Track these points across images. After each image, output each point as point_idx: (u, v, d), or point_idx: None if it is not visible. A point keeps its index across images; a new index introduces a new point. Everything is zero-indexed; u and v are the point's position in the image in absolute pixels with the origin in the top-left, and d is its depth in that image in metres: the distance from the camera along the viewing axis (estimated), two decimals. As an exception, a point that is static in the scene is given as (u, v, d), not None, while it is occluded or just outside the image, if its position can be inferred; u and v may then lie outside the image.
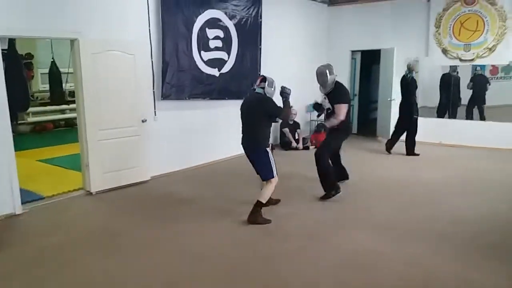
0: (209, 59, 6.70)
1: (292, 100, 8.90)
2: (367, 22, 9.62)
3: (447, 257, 3.52)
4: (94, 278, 3.22)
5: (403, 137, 7.75)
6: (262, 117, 4.32)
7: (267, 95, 4.37)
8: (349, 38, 9.92)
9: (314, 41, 9.76)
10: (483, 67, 9.37)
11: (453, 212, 4.62)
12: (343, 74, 10.15)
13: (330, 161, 5.22)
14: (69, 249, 3.74)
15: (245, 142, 4.43)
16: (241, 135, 4.50)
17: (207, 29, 6.60)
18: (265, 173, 4.34)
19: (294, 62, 9.09)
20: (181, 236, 4.01)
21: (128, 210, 4.81)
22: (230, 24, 7.02)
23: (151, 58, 5.91)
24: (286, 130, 8.35)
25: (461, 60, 8.52)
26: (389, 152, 7.82)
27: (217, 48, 6.85)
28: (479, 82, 9.02)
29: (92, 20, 5.15)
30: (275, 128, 8.65)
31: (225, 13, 6.91)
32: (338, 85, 5.11)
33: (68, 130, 10.77)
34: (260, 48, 7.71)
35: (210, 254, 3.60)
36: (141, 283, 3.13)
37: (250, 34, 7.46)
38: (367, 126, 10.65)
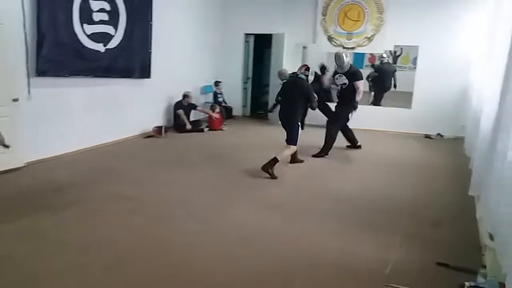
0: (93, 33, 6.12)
1: (186, 82, 8.78)
2: (260, 5, 9.75)
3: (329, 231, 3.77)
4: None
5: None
6: (301, 99, 5.40)
7: (309, 82, 5.51)
8: (243, 21, 9.98)
9: (209, 22, 9.61)
10: (362, 55, 10.20)
11: (336, 191, 4.98)
12: (237, 57, 10.23)
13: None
14: None
15: (285, 115, 5.50)
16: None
17: (90, 0, 6.03)
18: (291, 139, 5.43)
19: (188, 42, 8.86)
20: (62, 227, 3.62)
21: (-4, 201, 4.21)
22: (117, -4, 6.51)
23: (24, 29, 5.19)
24: (181, 111, 8.09)
25: (343, 47, 9.13)
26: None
27: (102, 22, 6.29)
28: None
29: None
30: (168, 110, 8.37)
31: (112, -16, 6.37)
32: (353, 66, 6.53)
33: None
34: (151, 24, 7.31)
35: (96, 244, 3.33)
36: (13, 277, 2.76)
37: (140, 8, 7.03)
38: (259, 109, 10.92)
